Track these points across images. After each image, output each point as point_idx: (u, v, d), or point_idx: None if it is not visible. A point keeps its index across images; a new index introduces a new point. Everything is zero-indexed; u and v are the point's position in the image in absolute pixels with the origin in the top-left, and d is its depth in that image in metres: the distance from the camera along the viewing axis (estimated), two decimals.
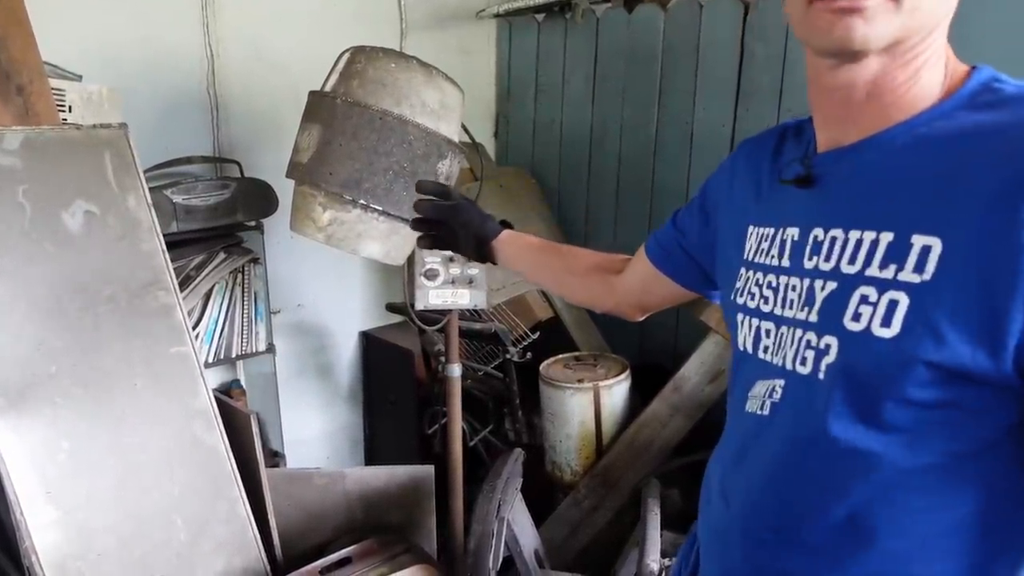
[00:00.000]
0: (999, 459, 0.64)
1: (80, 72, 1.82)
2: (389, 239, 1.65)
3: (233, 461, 1.64)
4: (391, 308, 2.40)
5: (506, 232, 1.26)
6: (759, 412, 0.78)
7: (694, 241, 0.99)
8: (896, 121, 0.68)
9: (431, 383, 2.43)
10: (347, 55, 1.63)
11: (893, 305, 0.63)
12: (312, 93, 1.64)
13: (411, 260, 1.78)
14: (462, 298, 1.82)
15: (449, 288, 1.80)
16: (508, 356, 2.16)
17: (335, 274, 2.57)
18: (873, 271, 0.66)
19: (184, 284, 1.93)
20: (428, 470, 1.94)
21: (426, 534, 1.96)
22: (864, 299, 0.66)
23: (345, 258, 2.49)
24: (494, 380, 2.35)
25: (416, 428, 2.48)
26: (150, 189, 1.60)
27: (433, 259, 1.80)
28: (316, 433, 2.66)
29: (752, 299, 0.80)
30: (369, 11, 2.50)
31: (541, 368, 2.29)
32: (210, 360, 2.07)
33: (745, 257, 0.83)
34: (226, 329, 2.09)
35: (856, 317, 0.66)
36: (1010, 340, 0.58)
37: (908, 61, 0.67)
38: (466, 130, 1.82)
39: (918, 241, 0.62)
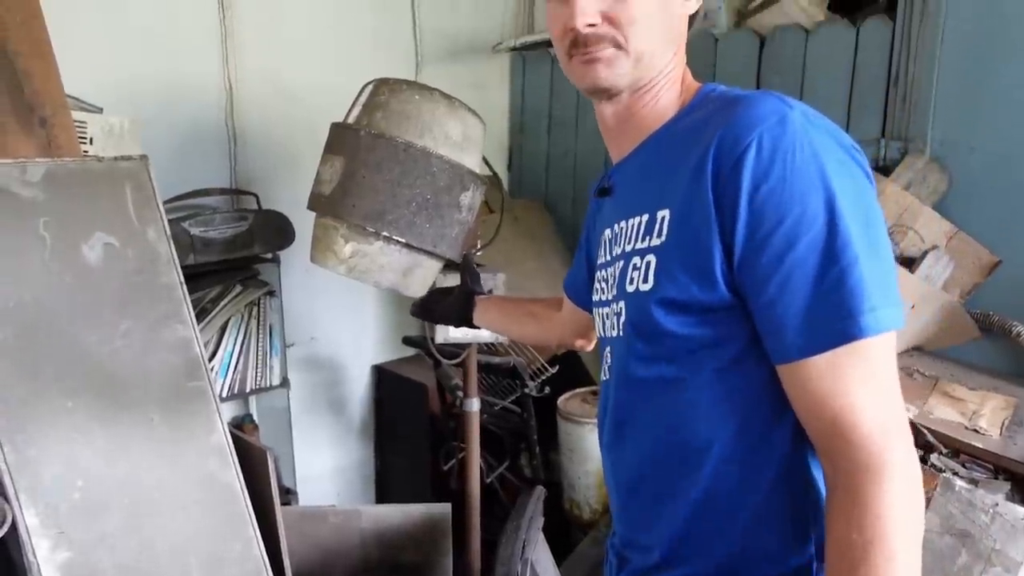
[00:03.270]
0: (751, 367, 0.80)
1: (101, 104, 1.82)
2: (411, 271, 1.63)
3: (248, 499, 1.60)
4: (408, 342, 2.37)
5: (480, 306, 1.50)
6: (604, 377, 0.98)
7: (584, 271, 1.19)
8: (649, 133, 0.91)
9: (446, 418, 2.39)
10: (370, 87, 1.63)
11: (648, 265, 0.84)
12: (335, 125, 1.64)
13: None
14: (483, 331, 1.79)
15: None
16: (526, 390, 2.13)
17: (349, 307, 2.55)
18: (638, 244, 0.86)
19: (200, 317, 1.90)
20: (444, 508, 1.90)
21: (442, 574, 1.90)
22: (634, 267, 0.86)
23: (359, 290, 2.47)
24: (510, 415, 2.31)
25: (429, 464, 2.43)
26: (168, 221, 1.59)
27: None
28: (327, 469, 2.61)
29: (595, 294, 1.00)
30: (385, 45, 2.52)
31: (559, 403, 2.25)
32: (224, 394, 2.04)
33: (596, 262, 1.02)
34: (241, 362, 2.06)
35: (631, 282, 0.86)
36: (716, 270, 0.77)
37: (648, 90, 0.90)
38: (487, 162, 1.81)
39: (659, 214, 0.84)
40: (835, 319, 0.71)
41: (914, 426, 1.57)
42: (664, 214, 0.83)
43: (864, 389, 0.72)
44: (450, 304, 1.54)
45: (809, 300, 0.72)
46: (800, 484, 0.82)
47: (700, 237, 0.77)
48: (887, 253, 0.75)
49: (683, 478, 0.86)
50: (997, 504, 1.36)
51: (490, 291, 1.50)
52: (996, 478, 1.49)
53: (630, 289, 0.86)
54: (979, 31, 1.85)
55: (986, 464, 1.52)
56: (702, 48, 2.29)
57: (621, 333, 0.90)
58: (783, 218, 0.72)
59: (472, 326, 1.51)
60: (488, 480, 2.27)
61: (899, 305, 0.73)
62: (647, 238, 0.85)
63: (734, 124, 0.76)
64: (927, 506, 1.41)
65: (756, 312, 0.77)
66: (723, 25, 2.29)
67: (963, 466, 1.51)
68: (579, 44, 0.85)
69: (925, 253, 1.91)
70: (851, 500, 0.71)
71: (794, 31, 2.15)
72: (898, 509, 0.69)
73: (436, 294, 1.62)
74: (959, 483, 1.40)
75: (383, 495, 2.72)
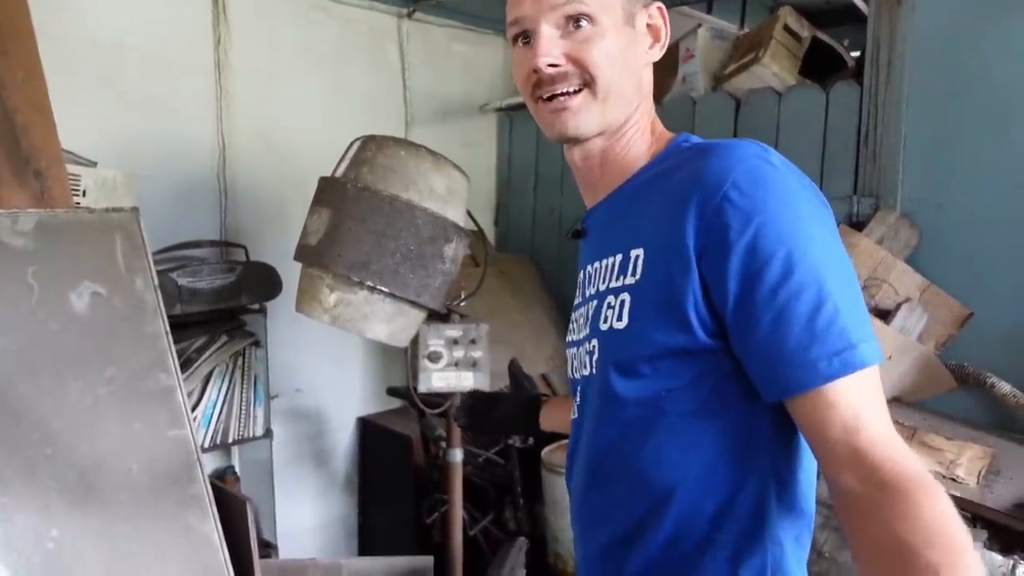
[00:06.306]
0: (718, 412, 0.82)
1: (96, 159, 1.87)
2: (394, 320, 1.65)
3: (226, 552, 1.58)
4: (392, 392, 2.38)
5: (545, 409, 1.37)
6: (575, 416, 0.98)
7: None
8: (623, 180, 0.93)
9: (430, 470, 2.37)
10: (358, 143, 1.69)
11: (623, 303, 0.84)
12: (323, 179, 1.69)
13: (415, 342, 1.78)
14: (465, 380, 1.81)
15: (452, 371, 1.79)
16: (510, 441, 2.13)
17: (335, 358, 2.56)
18: (612, 283, 0.87)
19: (185, 366, 1.91)
20: (427, 561, 1.87)
21: None
22: (608, 305, 0.87)
23: (346, 341, 2.48)
24: (495, 467, 2.30)
25: (413, 517, 2.41)
26: (157, 271, 1.61)
27: (436, 341, 1.80)
28: (309, 523, 2.58)
29: (569, 335, 1.01)
30: (376, 105, 2.61)
31: (543, 454, 2.25)
32: (206, 445, 2.03)
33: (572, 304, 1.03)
34: (224, 413, 2.06)
35: (605, 320, 0.87)
36: (690, 312, 0.78)
37: (619, 138, 0.93)
38: (471, 216, 1.86)
39: (632, 253, 0.85)
40: (836, 351, 0.72)
41: None
42: (638, 253, 0.84)
43: (878, 413, 0.73)
44: (511, 411, 1.41)
45: (805, 335, 0.73)
46: (763, 538, 0.81)
47: (674, 279, 0.78)
48: (860, 292, 0.78)
49: (647, 526, 0.85)
50: None
51: (543, 396, 1.39)
52: (974, 526, 1.49)
53: (603, 327, 0.87)
54: (942, 94, 1.95)
55: (964, 513, 1.52)
56: (682, 109, 2.38)
57: (594, 371, 0.89)
58: (770, 257, 0.74)
59: (539, 433, 1.37)
60: (472, 533, 2.25)
61: (875, 338, 0.76)
62: (621, 277, 0.86)
63: (715, 167, 0.78)
64: None
65: (749, 348, 0.77)
66: (701, 88, 2.38)
67: None
68: (543, 84, 0.87)
69: (899, 305, 1.95)
70: (903, 504, 0.67)
71: (767, 94, 2.25)
72: (955, 517, 0.68)
73: (482, 403, 1.47)
74: None
75: (366, 549, 2.68)
